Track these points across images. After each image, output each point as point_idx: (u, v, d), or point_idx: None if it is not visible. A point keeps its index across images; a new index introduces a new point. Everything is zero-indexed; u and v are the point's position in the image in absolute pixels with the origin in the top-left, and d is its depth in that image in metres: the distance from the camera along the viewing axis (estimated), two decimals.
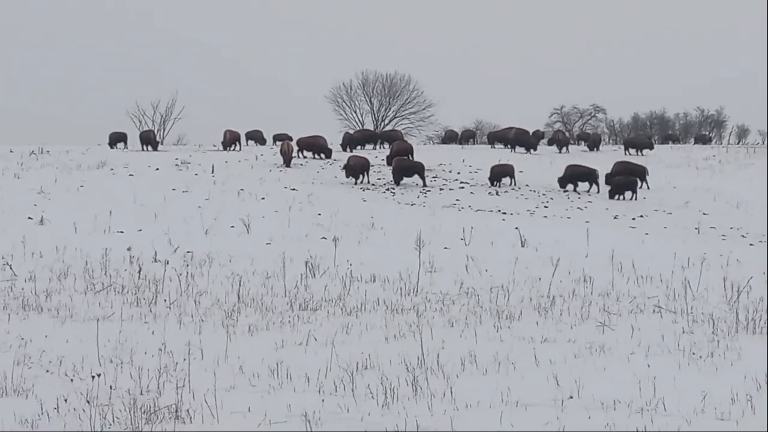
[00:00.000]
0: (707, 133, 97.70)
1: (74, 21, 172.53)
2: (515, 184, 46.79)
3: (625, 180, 44.53)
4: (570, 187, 46.01)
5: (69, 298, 16.81)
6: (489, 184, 46.66)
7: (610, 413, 9.92)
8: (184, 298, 16.96)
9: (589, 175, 46.06)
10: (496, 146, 65.94)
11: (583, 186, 45.99)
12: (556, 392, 10.67)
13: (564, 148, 62.40)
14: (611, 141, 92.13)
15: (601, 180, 45.60)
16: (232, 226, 30.29)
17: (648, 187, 46.11)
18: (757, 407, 10.11)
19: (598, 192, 45.11)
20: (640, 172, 46.59)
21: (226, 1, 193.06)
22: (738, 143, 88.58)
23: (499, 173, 47.11)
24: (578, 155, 59.19)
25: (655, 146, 67.27)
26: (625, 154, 61.23)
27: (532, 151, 60.42)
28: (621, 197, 43.76)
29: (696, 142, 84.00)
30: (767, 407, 10.13)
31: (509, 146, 62.74)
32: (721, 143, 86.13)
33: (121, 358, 12.27)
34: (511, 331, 14.30)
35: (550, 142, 67.08)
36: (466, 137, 75.69)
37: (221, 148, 59.07)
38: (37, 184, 39.66)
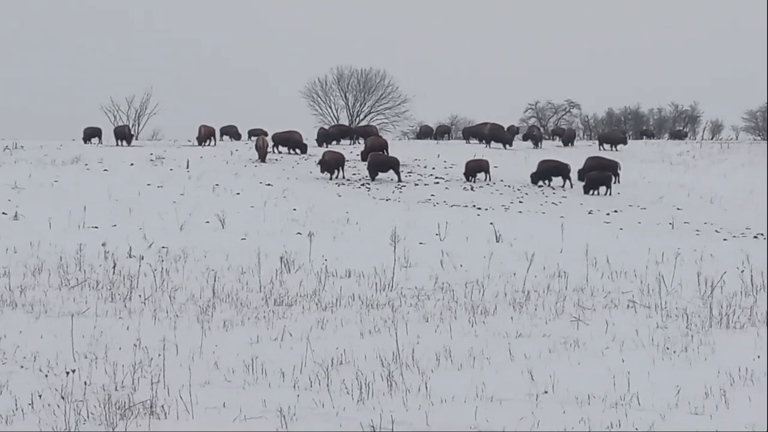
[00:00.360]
0: (681, 128, 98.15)
1: (47, 15, 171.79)
2: (490, 179, 46.85)
3: (600, 175, 44.64)
4: (543, 182, 46.08)
5: (43, 294, 16.76)
6: (464, 180, 46.72)
7: (584, 408, 9.96)
8: (158, 293, 16.92)
9: (562, 170, 46.17)
10: (471, 141, 66.03)
11: (557, 181, 46.12)
12: (530, 387, 10.70)
13: (539, 144, 62.50)
14: (586, 136, 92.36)
15: (574, 175, 45.79)
16: (207, 222, 30.25)
17: (619, 182, 46.21)
18: (731, 402, 10.17)
19: (571, 187, 45.23)
20: (612, 167, 46.70)
21: None
22: (712, 138, 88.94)
23: (474, 168, 47.17)
24: (553, 150, 59.36)
25: (630, 141, 67.62)
26: (600, 149, 61.48)
27: (507, 146, 60.52)
28: (595, 192, 43.89)
29: (671, 138, 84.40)
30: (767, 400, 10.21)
31: (484, 141, 62.81)
32: (695, 139, 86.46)
33: (95, 353, 12.23)
34: (485, 326, 14.33)
35: (525, 138, 67.13)
36: (441, 132, 75.75)
37: (196, 143, 59.03)
38: (11, 179, 39.50)
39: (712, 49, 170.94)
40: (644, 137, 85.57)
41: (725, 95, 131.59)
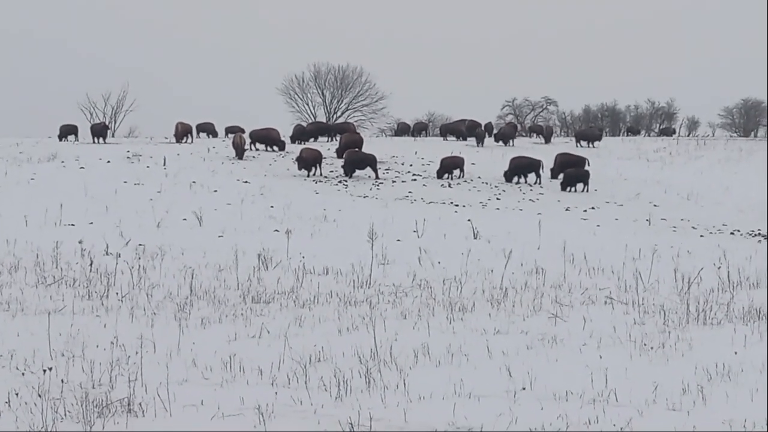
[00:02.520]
0: (659, 123, 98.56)
1: (22, 10, 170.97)
2: (462, 176, 46.74)
3: (577, 172, 44.72)
4: (516, 179, 46.01)
5: (20, 292, 16.68)
6: (438, 177, 46.43)
7: (562, 404, 9.97)
8: (136, 291, 16.87)
9: (534, 166, 46.17)
10: (448, 138, 66.02)
11: (531, 177, 46.12)
12: (508, 384, 10.71)
13: (510, 142, 61.96)
14: (563, 133, 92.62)
15: (547, 172, 45.90)
16: (185, 219, 30.16)
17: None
18: (708, 398, 10.19)
19: (540, 183, 45.20)
20: (581, 163, 46.73)
21: None
22: (688, 135, 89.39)
23: (450, 165, 47.08)
24: (531, 147, 59.38)
25: (607, 138, 67.90)
26: (577, 146, 61.62)
27: (482, 144, 60.40)
28: (573, 189, 43.96)
29: (660, 135, 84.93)
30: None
31: (462, 138, 62.79)
32: (672, 135, 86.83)
33: (72, 351, 12.18)
34: (463, 323, 14.34)
35: (496, 138, 66.13)
36: (419, 129, 75.79)
37: (173, 140, 58.87)
38: None
39: (689, 45, 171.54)
40: (629, 134, 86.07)
41: (701, 91, 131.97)
